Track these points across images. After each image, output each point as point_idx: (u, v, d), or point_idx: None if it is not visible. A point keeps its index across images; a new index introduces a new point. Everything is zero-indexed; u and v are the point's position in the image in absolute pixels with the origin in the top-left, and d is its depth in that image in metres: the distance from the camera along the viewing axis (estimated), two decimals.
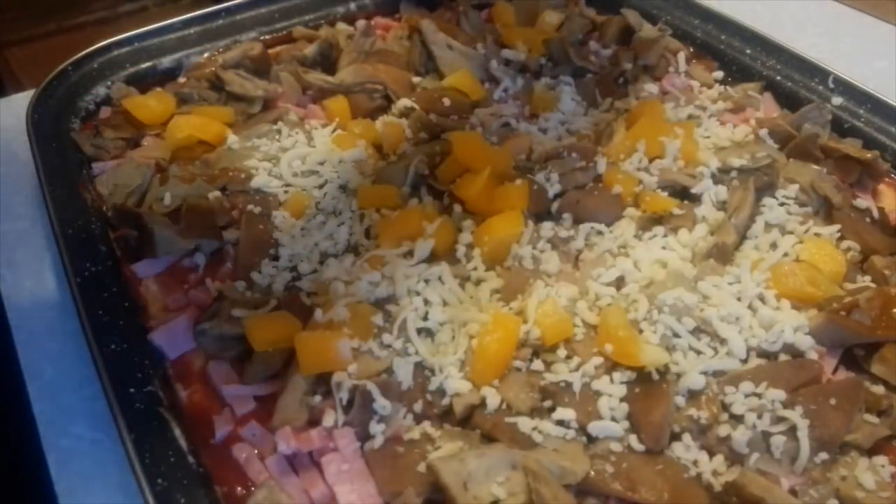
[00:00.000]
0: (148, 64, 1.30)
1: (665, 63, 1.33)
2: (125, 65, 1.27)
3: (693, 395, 0.82)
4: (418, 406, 0.82)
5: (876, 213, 1.04)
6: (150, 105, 1.20)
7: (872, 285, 0.94)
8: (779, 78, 1.27)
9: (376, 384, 0.80)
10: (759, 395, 0.81)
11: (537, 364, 0.85)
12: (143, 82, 1.26)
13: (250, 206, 1.02)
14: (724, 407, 0.81)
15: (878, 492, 0.76)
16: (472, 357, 0.85)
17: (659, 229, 1.00)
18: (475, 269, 0.95)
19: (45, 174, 1.06)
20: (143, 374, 0.84)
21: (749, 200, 1.01)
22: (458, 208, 1.03)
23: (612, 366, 0.84)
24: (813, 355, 0.87)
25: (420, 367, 0.85)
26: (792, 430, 0.79)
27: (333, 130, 1.17)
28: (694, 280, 0.92)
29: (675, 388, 0.82)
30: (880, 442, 0.81)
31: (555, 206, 1.04)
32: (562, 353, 0.86)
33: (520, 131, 1.17)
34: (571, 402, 0.81)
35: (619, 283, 0.94)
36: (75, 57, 1.25)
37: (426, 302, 0.90)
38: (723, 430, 0.79)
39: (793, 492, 0.77)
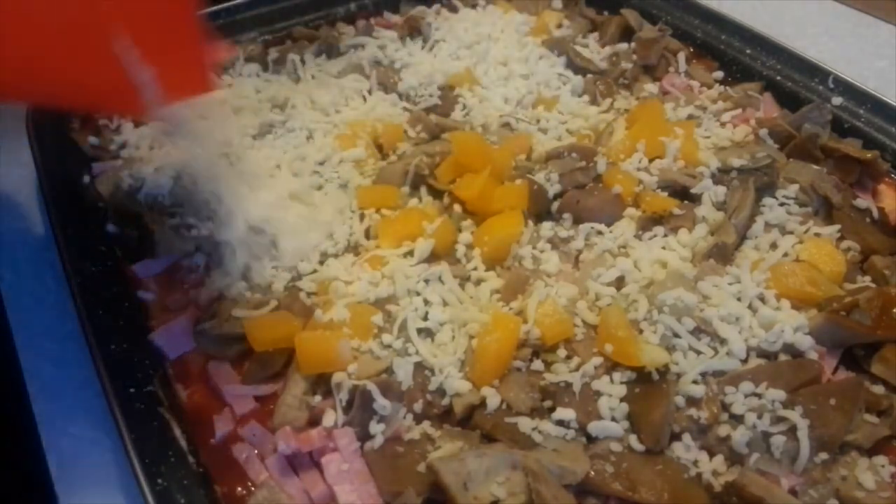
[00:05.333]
0: None
1: (665, 63, 1.33)
2: None
3: (693, 395, 0.82)
4: (418, 406, 0.82)
5: (876, 213, 1.04)
6: None
7: (872, 285, 0.94)
8: (779, 78, 1.27)
9: (376, 384, 0.80)
10: (759, 395, 0.81)
11: (537, 364, 0.85)
12: None
13: None
14: (724, 407, 0.81)
15: (878, 492, 0.76)
16: (472, 357, 0.85)
17: (659, 229, 1.00)
18: (475, 269, 0.95)
19: (45, 174, 1.06)
20: (143, 374, 0.84)
21: (749, 200, 1.01)
22: (458, 208, 1.03)
23: (612, 366, 0.84)
24: (813, 355, 0.87)
25: (420, 367, 0.85)
26: (792, 430, 0.79)
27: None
28: (694, 280, 0.92)
29: (675, 388, 0.82)
30: (880, 442, 0.81)
31: (555, 206, 1.04)
32: (562, 353, 0.86)
33: (520, 131, 1.17)
34: (571, 402, 0.81)
35: (619, 283, 0.93)
36: None
37: (426, 302, 0.90)
38: (723, 430, 0.79)
39: (793, 492, 0.77)
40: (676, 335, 0.86)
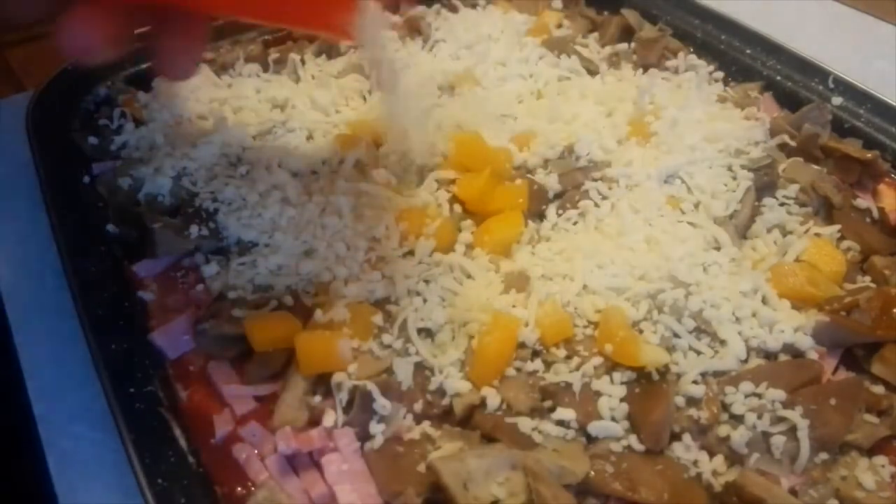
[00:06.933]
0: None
1: (665, 63, 1.33)
2: (125, 65, 1.27)
3: (693, 395, 0.82)
4: (418, 406, 0.82)
5: (876, 213, 1.04)
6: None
7: (872, 285, 0.94)
8: (779, 78, 1.27)
9: (376, 384, 0.80)
10: (759, 396, 0.81)
11: (537, 364, 0.85)
12: (144, 82, 1.26)
13: None
14: (724, 407, 0.81)
15: (878, 492, 0.76)
16: (472, 357, 0.85)
17: None
18: (475, 268, 0.95)
19: (45, 174, 1.06)
20: (143, 374, 0.84)
21: (749, 200, 1.01)
22: (458, 208, 1.03)
23: (612, 366, 0.84)
24: (813, 355, 0.87)
25: (420, 367, 0.85)
26: (792, 430, 0.79)
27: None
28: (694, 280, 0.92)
29: (675, 388, 0.82)
30: (880, 442, 0.81)
31: (554, 205, 1.04)
32: (562, 353, 0.86)
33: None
34: (571, 402, 0.81)
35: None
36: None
37: (426, 302, 0.90)
38: (723, 430, 0.79)
39: (793, 492, 0.77)
40: (676, 335, 0.86)
